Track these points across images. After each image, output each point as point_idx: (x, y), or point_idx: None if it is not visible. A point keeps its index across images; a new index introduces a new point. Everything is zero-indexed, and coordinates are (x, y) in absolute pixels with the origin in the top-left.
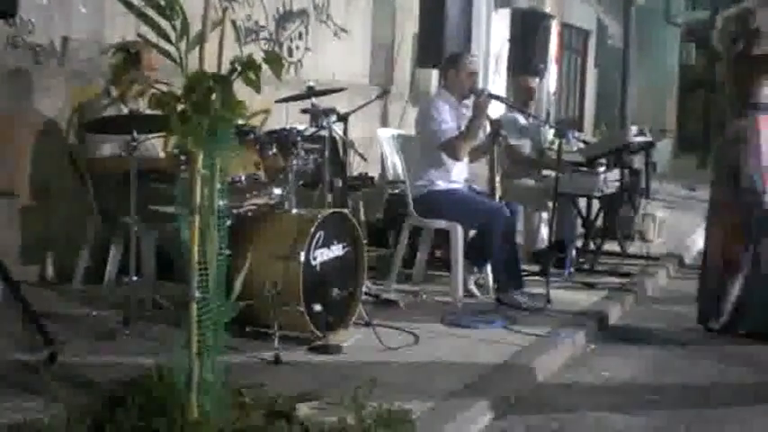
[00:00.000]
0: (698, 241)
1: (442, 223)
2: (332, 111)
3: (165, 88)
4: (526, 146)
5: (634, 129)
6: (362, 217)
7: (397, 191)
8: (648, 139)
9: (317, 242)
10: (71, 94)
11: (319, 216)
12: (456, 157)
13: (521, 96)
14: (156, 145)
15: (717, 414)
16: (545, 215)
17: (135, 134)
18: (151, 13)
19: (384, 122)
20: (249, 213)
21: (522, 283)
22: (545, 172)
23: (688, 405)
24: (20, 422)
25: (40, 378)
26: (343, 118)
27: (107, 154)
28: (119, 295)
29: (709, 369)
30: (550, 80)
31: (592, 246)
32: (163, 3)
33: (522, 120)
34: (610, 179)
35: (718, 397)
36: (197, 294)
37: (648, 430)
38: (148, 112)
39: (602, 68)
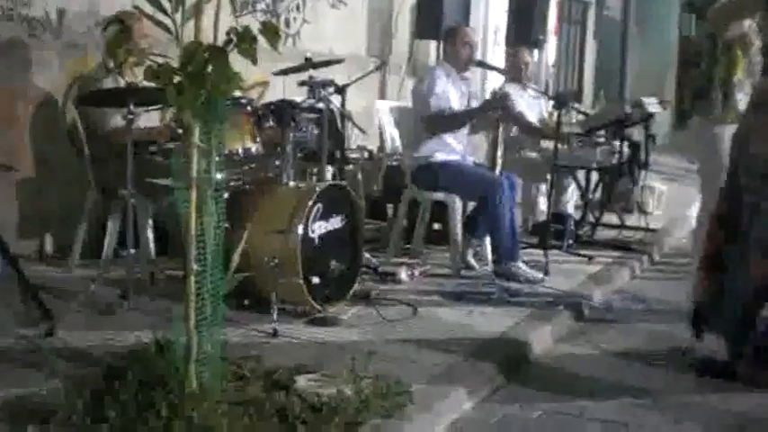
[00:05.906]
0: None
1: (440, 195)
2: (330, 83)
3: (160, 60)
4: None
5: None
6: (361, 189)
7: (395, 163)
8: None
9: (315, 215)
10: (67, 67)
11: (317, 188)
12: (433, 133)
13: (513, 69)
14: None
15: (714, 390)
16: (543, 187)
17: (132, 106)
18: None
19: (382, 94)
20: (247, 186)
21: (519, 256)
22: (543, 144)
23: (684, 381)
24: (19, 395)
25: (39, 352)
26: (341, 90)
27: (120, 125)
28: (117, 269)
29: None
30: (549, 52)
31: (590, 218)
32: None
33: (520, 89)
34: (608, 151)
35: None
36: (195, 267)
37: (646, 405)
38: (145, 83)
39: (602, 40)
